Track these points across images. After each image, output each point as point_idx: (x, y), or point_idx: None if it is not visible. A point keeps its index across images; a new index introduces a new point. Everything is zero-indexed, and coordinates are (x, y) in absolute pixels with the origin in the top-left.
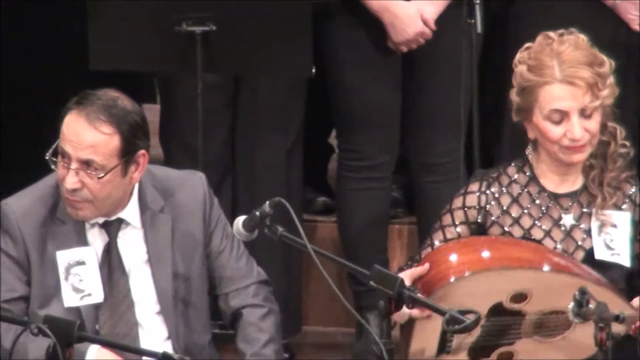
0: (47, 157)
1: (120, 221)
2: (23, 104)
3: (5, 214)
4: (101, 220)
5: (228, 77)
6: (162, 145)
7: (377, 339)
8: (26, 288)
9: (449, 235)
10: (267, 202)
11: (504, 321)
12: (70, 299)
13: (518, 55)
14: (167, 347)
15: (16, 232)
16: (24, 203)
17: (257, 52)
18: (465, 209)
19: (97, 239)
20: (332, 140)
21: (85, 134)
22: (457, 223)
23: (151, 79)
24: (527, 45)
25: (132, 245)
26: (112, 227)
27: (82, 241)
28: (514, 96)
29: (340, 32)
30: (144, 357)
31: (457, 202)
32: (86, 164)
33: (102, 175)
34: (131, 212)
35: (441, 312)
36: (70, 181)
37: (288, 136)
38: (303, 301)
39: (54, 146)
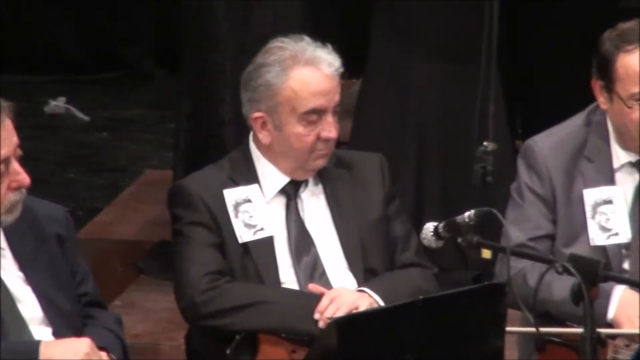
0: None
1: None
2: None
3: (532, 152)
4: (634, 159)
5: None
6: None
7: None
8: (551, 226)
9: None
10: None
11: None
12: (596, 237)
13: None
14: None
15: (543, 169)
16: (550, 141)
17: None
18: None
19: (627, 177)
20: None
21: None
22: None
23: None
24: None
25: None
26: None
27: (610, 180)
28: None
29: None
30: None
31: None
32: None
33: None
34: None
35: None
36: None
37: None
38: None
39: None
